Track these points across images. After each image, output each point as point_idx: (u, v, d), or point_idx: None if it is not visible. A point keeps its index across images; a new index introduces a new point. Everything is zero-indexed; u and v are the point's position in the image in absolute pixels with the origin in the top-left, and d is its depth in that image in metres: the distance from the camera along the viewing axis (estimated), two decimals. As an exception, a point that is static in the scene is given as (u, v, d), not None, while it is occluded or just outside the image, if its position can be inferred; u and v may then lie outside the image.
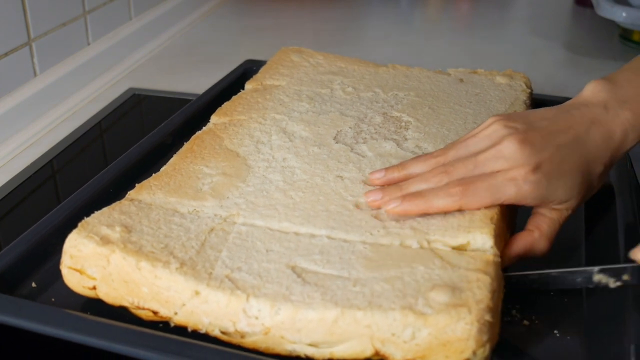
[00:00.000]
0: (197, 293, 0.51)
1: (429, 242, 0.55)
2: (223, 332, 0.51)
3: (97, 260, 0.55)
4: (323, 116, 0.78)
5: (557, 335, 0.54)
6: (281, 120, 0.77)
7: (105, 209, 0.60)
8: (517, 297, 0.57)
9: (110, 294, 0.54)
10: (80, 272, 0.55)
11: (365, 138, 0.73)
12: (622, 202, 0.67)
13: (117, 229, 0.57)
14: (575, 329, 0.55)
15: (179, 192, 0.64)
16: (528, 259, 0.59)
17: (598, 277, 0.55)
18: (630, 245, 0.59)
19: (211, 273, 0.53)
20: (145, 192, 0.64)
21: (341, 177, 0.66)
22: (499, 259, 0.54)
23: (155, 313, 0.53)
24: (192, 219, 0.60)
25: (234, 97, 0.84)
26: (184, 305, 0.52)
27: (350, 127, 0.76)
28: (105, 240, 0.55)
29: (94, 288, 0.55)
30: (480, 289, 0.49)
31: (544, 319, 0.56)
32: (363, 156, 0.69)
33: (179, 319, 0.52)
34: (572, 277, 0.56)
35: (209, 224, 0.59)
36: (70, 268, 0.56)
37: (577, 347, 0.53)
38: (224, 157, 0.70)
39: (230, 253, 0.55)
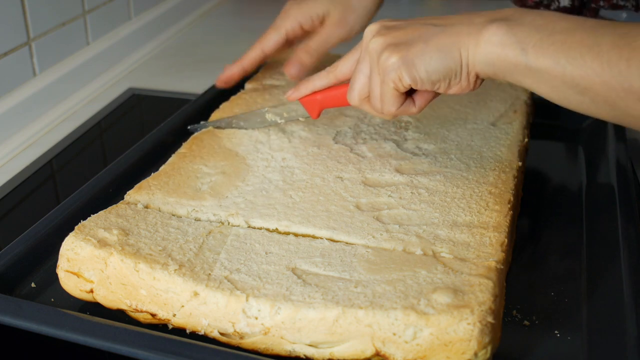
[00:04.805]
0: (195, 294, 0.51)
1: (434, 253, 0.55)
2: (222, 334, 0.51)
3: (94, 263, 0.54)
4: (322, 116, 0.78)
5: (558, 335, 0.54)
6: (281, 120, 0.77)
7: (101, 213, 0.60)
8: (518, 297, 0.57)
9: (108, 297, 0.54)
10: (78, 275, 0.55)
11: (365, 138, 0.73)
12: (623, 202, 0.66)
13: (115, 232, 0.57)
14: (576, 329, 0.55)
15: (178, 191, 0.64)
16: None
17: (269, 116, 0.74)
18: (631, 245, 0.59)
19: (210, 274, 0.52)
20: (145, 192, 0.63)
21: (341, 177, 0.66)
22: (501, 267, 0.54)
23: (153, 316, 0.53)
24: (189, 222, 0.59)
25: (232, 97, 0.84)
26: (182, 306, 0.52)
27: (349, 127, 0.75)
28: (102, 243, 0.55)
29: (92, 291, 0.55)
30: (482, 292, 0.49)
31: (545, 319, 0.56)
32: (363, 157, 0.69)
33: (178, 320, 0.52)
34: (254, 118, 0.75)
35: (207, 227, 0.59)
36: (67, 271, 0.55)
37: (578, 347, 0.53)
38: (223, 156, 0.70)
39: (229, 255, 0.55)
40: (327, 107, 0.70)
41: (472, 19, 0.55)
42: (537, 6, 0.85)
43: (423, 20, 0.58)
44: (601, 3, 0.85)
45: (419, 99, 0.60)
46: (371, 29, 0.59)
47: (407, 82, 0.56)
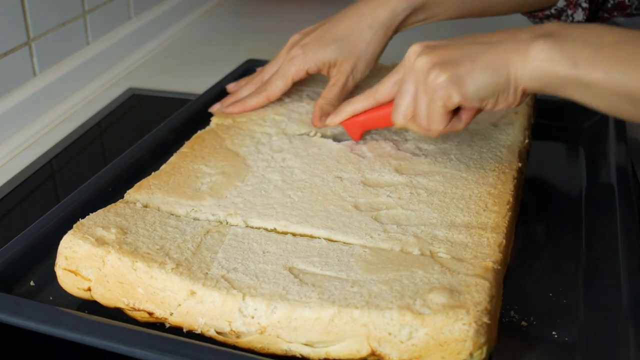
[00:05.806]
0: (192, 293, 0.51)
1: (431, 253, 0.55)
2: (218, 333, 0.51)
3: (92, 262, 0.55)
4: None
5: (556, 336, 0.54)
6: (281, 121, 0.77)
7: (100, 211, 0.60)
8: (516, 298, 0.57)
9: (106, 295, 0.54)
10: (75, 273, 0.55)
11: (365, 138, 0.73)
12: (623, 203, 0.66)
13: (113, 230, 0.57)
14: (574, 330, 0.55)
15: (177, 191, 0.64)
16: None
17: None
18: (631, 245, 0.59)
19: (207, 273, 0.52)
20: (144, 191, 0.64)
21: (340, 177, 0.66)
22: (499, 267, 0.54)
23: (150, 314, 0.53)
24: (187, 221, 0.59)
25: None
26: (179, 305, 0.52)
27: (349, 127, 0.75)
28: (100, 242, 0.55)
29: (89, 289, 0.55)
30: (479, 293, 0.49)
31: (543, 320, 0.56)
32: (362, 157, 0.69)
33: (175, 319, 0.52)
34: None
35: (205, 226, 0.59)
36: (65, 269, 0.56)
37: (576, 348, 0.53)
38: (224, 156, 0.70)
39: (226, 254, 0.55)
40: (368, 129, 0.71)
41: (517, 35, 0.55)
42: (547, 18, 0.85)
43: (466, 39, 0.58)
44: (615, 14, 0.85)
45: (465, 115, 0.60)
46: (415, 49, 0.60)
47: (456, 101, 0.56)
